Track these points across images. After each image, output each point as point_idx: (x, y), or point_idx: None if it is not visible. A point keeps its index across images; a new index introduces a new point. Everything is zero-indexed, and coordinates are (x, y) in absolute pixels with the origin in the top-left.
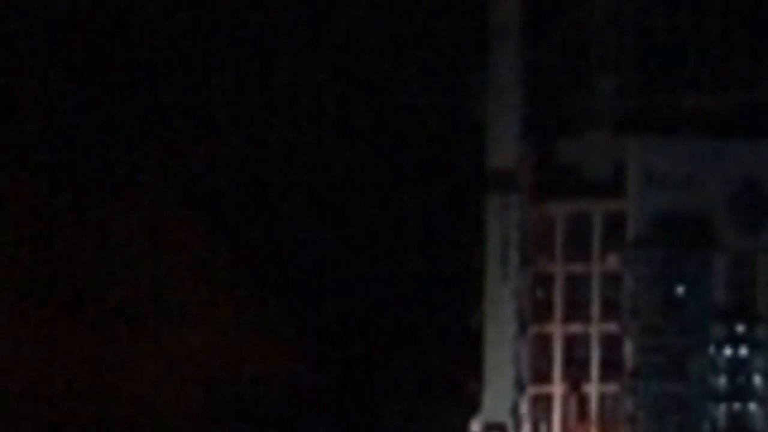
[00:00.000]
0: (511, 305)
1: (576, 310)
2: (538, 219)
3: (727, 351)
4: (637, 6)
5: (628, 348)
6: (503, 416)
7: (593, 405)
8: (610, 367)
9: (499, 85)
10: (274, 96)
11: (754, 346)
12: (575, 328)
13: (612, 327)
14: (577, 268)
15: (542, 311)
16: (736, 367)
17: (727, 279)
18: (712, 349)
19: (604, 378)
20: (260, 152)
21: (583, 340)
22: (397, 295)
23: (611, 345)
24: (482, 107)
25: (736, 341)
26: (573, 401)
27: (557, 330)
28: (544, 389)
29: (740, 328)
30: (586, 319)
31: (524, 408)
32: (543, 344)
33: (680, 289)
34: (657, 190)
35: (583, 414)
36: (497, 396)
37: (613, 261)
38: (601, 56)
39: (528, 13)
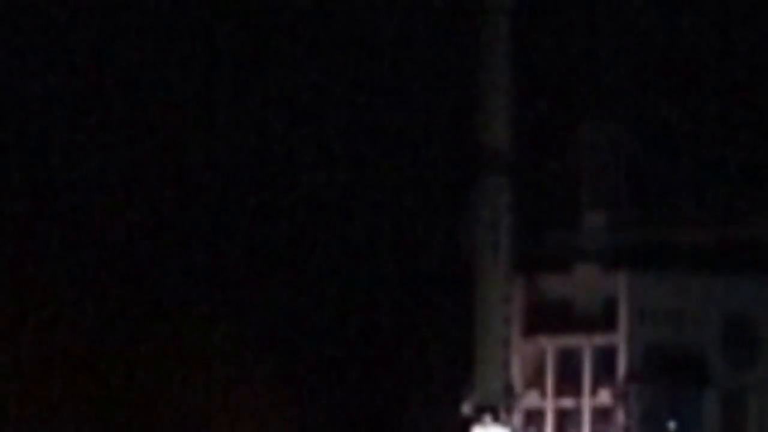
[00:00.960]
0: (501, 289)
1: None
2: (529, 353)
3: None
4: (628, 144)
5: None
6: (494, 398)
7: None
8: None
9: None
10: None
11: None
12: None
13: None
14: (568, 403)
15: None
16: None
17: (718, 415)
18: None
19: None
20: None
21: None
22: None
23: None
24: (471, 244)
25: None
26: None
27: None
28: None
29: None
30: None
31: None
32: None
33: (672, 425)
34: (648, 325)
35: None
36: (488, 378)
37: (604, 396)
38: (591, 192)
39: (519, 145)
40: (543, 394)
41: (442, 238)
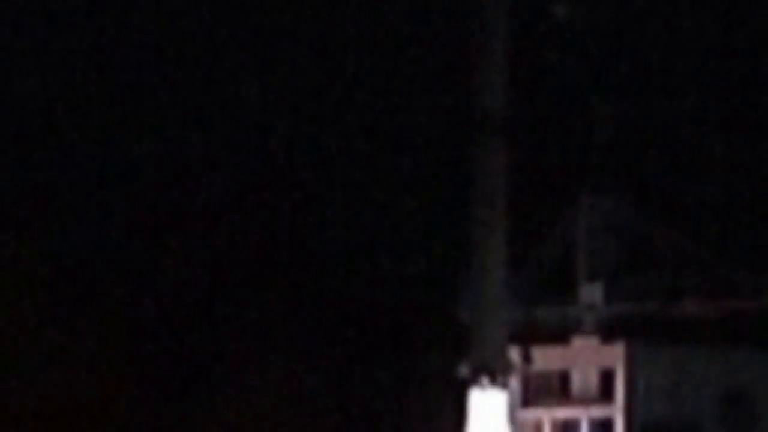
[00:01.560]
0: (499, 252)
1: None
2: (527, 425)
3: None
4: (625, 214)
5: None
6: (492, 360)
7: None
8: None
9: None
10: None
11: None
12: None
13: None
14: None
15: None
16: None
17: None
18: None
19: None
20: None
21: None
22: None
23: None
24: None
25: None
26: None
27: None
28: None
29: None
30: None
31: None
32: None
33: None
34: (645, 398)
35: None
36: (486, 339)
37: None
38: (588, 264)
39: (514, 216)
40: None
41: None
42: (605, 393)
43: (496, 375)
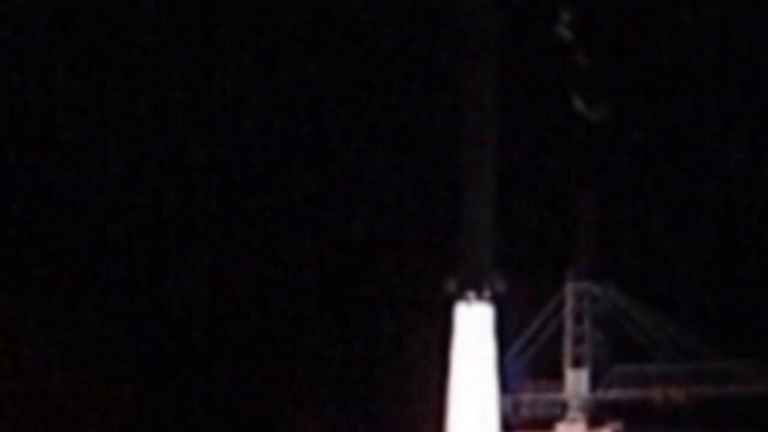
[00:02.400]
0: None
1: None
2: None
3: None
4: (613, 301)
5: None
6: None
7: None
8: None
9: None
10: None
11: None
12: None
13: None
14: None
15: None
16: None
17: None
18: None
19: None
20: None
21: None
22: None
23: None
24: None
25: None
26: None
27: None
28: None
29: None
30: None
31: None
32: None
33: None
34: None
35: None
36: (471, 257)
37: None
38: (572, 349)
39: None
40: None
41: None
42: None
43: (482, 289)
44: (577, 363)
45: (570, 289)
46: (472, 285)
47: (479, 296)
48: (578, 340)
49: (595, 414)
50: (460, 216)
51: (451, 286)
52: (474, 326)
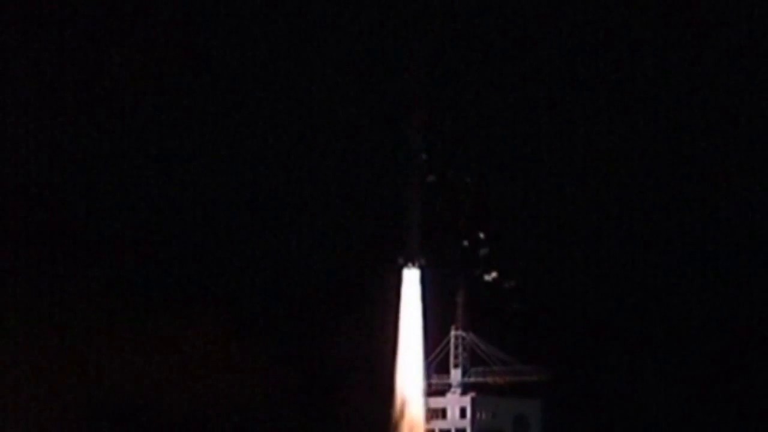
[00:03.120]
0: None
1: None
2: None
3: None
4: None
5: None
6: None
7: None
8: None
9: None
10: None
11: None
12: None
13: None
14: None
15: None
16: None
17: None
18: None
19: None
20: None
21: None
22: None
23: None
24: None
25: None
26: None
27: None
28: None
29: None
30: None
31: None
32: None
33: None
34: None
35: None
36: (411, 241)
37: None
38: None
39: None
40: None
41: None
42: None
43: (415, 261)
44: (456, 365)
45: (452, 334)
46: (410, 259)
47: (413, 265)
48: (456, 355)
49: (464, 389)
50: (405, 218)
51: (400, 260)
52: (412, 282)
